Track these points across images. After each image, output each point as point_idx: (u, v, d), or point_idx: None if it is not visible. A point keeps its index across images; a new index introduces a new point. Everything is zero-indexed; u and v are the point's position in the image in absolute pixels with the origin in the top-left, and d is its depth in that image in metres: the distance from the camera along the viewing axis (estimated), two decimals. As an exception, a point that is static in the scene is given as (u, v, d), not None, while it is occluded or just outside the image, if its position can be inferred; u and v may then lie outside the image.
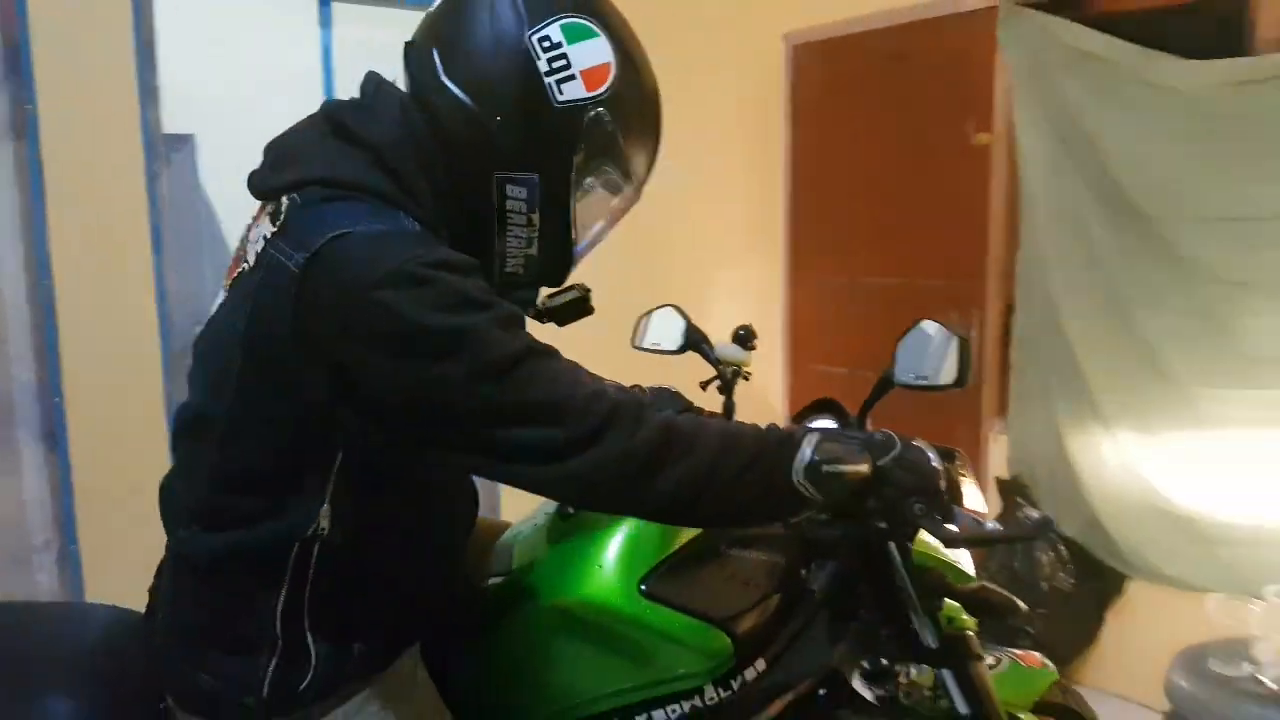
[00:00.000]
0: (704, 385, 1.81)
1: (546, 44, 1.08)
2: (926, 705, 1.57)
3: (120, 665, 1.23)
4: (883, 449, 1.16)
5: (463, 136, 1.09)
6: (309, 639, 1.11)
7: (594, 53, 1.10)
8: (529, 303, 1.26)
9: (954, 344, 1.47)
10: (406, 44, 1.16)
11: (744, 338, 1.79)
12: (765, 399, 3.95)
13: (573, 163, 1.12)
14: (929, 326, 1.50)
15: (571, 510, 1.44)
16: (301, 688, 1.11)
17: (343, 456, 1.06)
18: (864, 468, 1.13)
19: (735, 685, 1.38)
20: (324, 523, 1.08)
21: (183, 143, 3.91)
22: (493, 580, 1.44)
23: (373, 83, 1.14)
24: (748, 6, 3.78)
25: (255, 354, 1.04)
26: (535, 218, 1.13)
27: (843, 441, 1.14)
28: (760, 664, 1.40)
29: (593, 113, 1.10)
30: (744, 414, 1.75)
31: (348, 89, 1.19)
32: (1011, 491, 3.15)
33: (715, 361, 1.79)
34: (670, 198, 3.54)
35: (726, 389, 1.77)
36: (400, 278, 0.97)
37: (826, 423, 1.57)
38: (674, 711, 1.36)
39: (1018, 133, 3.04)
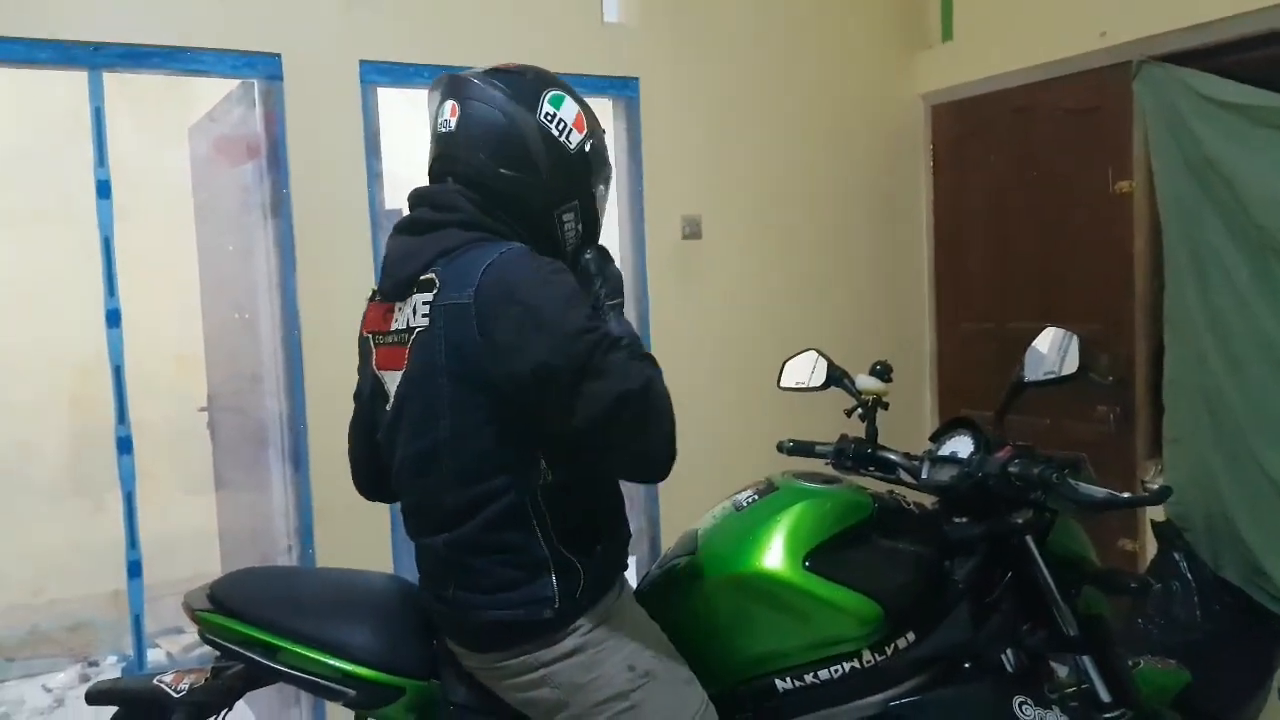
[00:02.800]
0: (849, 413, 1.97)
1: (548, 116, 1.51)
2: (1068, 701, 1.68)
3: (404, 610, 1.59)
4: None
5: (522, 197, 1.51)
6: (569, 555, 1.45)
7: (570, 108, 1.54)
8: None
9: (1073, 340, 1.68)
10: (439, 158, 1.54)
11: (881, 371, 1.93)
12: (918, 437, 4.03)
13: (590, 182, 1.58)
14: (1050, 331, 1.74)
15: (746, 505, 1.70)
16: (579, 593, 1.46)
17: (537, 420, 1.40)
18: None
19: (888, 651, 1.57)
20: (546, 472, 1.44)
21: (397, 216, 4.40)
22: (682, 557, 1.70)
23: (431, 192, 1.54)
24: (886, 69, 3.95)
25: (458, 373, 1.41)
26: (580, 227, 1.58)
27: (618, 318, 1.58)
28: (910, 635, 1.59)
29: (589, 145, 1.56)
30: (887, 442, 1.91)
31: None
32: (1167, 535, 3.10)
33: (856, 393, 1.94)
34: (820, 253, 3.78)
35: (868, 416, 1.92)
36: (539, 282, 1.39)
37: (964, 440, 1.76)
38: (836, 671, 1.56)
39: (1157, 179, 3.08)
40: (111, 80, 2.75)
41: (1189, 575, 3.04)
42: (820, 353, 2.03)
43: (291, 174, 2.89)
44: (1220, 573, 2.97)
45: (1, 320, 4.22)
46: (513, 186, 1.50)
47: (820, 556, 1.56)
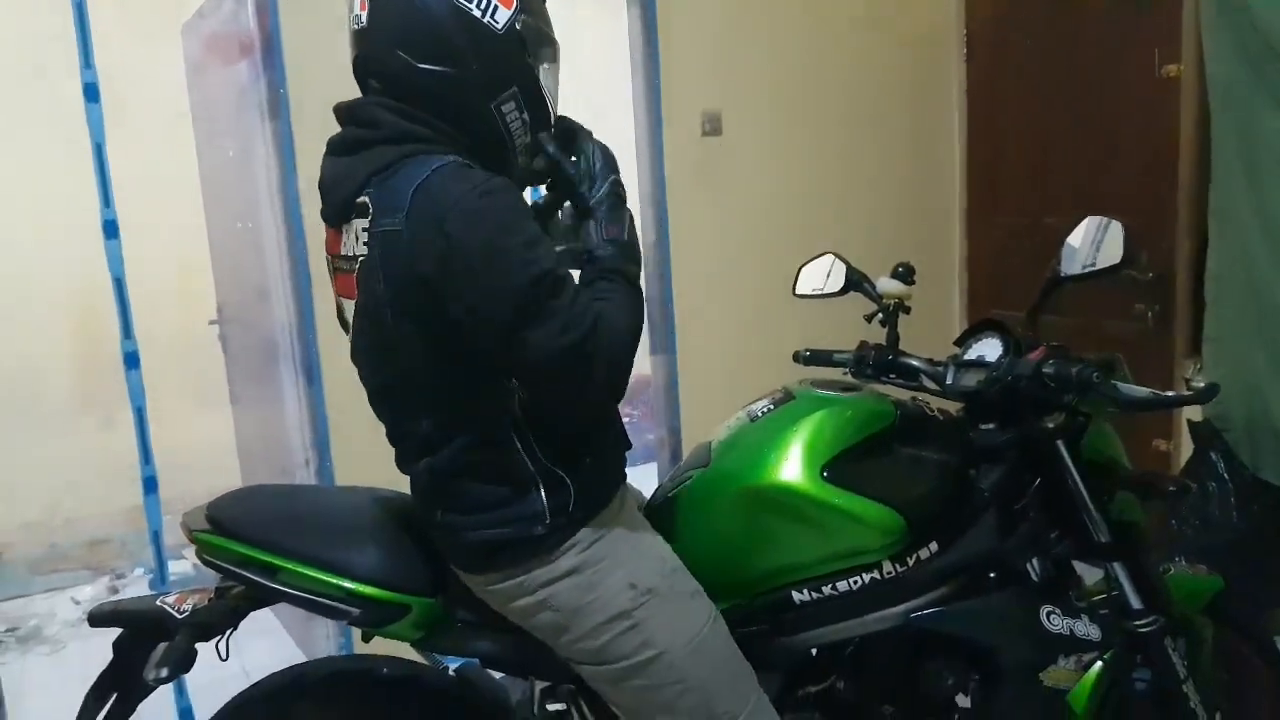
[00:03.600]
0: (869, 318, 1.89)
1: None
2: (1098, 609, 1.64)
3: (409, 528, 1.55)
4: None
5: (450, 94, 1.35)
6: (557, 470, 1.40)
7: None
8: (538, 183, 1.52)
9: (1115, 228, 1.58)
10: (357, 59, 1.43)
11: (903, 274, 1.84)
12: (945, 343, 3.97)
13: (528, 63, 1.39)
14: (1090, 221, 1.62)
15: (761, 415, 1.64)
16: (570, 508, 1.41)
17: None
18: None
19: (910, 562, 1.53)
20: (519, 390, 1.37)
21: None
22: (695, 470, 1.65)
23: (354, 106, 1.42)
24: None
25: (399, 307, 1.32)
26: (526, 116, 1.40)
27: (616, 221, 1.42)
28: (933, 545, 1.55)
29: (519, 21, 1.36)
30: (911, 346, 1.83)
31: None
32: (1204, 435, 3.06)
33: (877, 297, 1.86)
34: (847, 142, 3.64)
35: (890, 320, 1.85)
36: (463, 211, 1.26)
37: (993, 342, 1.67)
38: (855, 583, 1.53)
39: (1208, 63, 2.90)
40: (93, -25, 2.59)
41: (1226, 476, 2.98)
42: (838, 256, 1.93)
43: (289, 73, 2.74)
44: (1259, 474, 2.91)
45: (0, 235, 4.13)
46: (438, 83, 1.35)
47: (839, 466, 1.52)
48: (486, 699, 1.68)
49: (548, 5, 1.47)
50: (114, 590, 4.09)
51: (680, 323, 3.37)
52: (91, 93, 2.60)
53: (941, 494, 1.56)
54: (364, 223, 1.34)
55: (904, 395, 1.75)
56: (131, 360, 2.72)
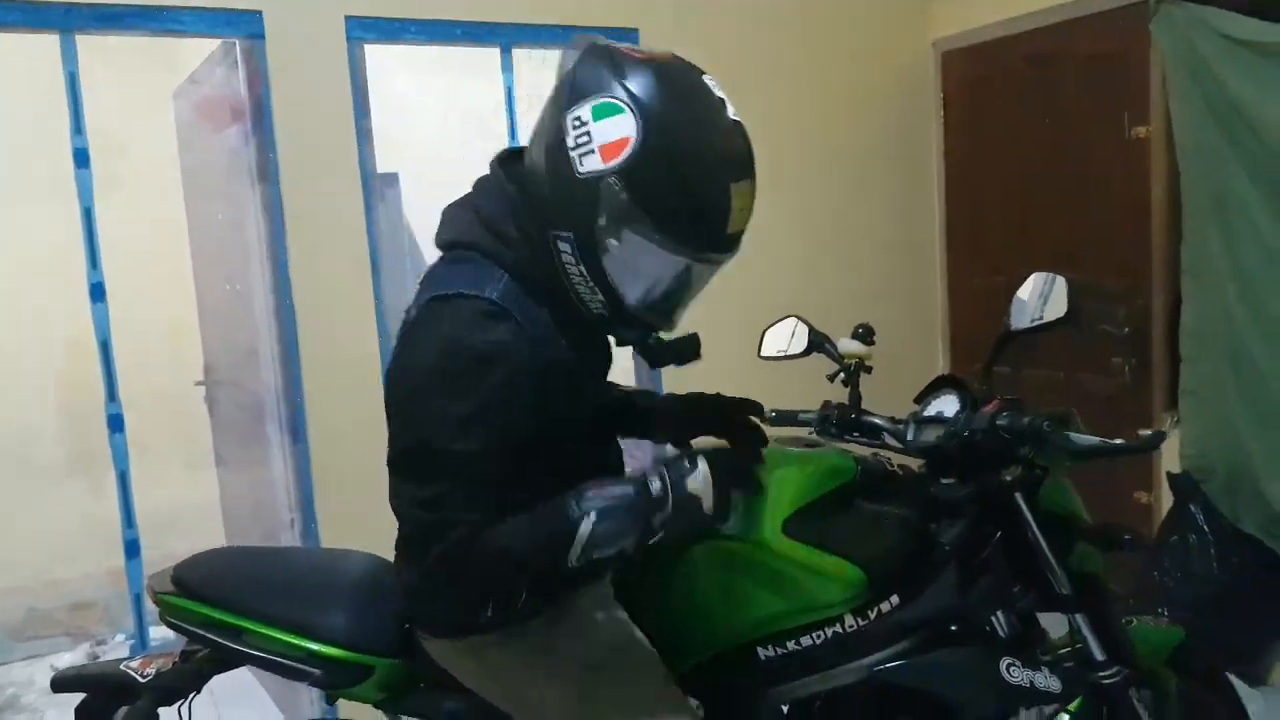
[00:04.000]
0: (831, 378, 1.89)
1: (577, 122, 1.25)
2: (1062, 662, 1.63)
3: (375, 588, 1.56)
4: (658, 505, 1.33)
5: (529, 200, 1.33)
6: None
7: (615, 128, 1.23)
8: (633, 342, 1.43)
9: (1060, 283, 1.63)
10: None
11: (863, 334, 1.86)
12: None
13: (594, 225, 1.26)
14: (1036, 276, 1.68)
15: None
16: (520, 605, 1.40)
17: None
18: (629, 542, 1.32)
19: (872, 615, 1.54)
20: None
21: (391, 180, 4.33)
22: None
23: (484, 177, 1.43)
24: (896, 16, 3.83)
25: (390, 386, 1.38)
26: (583, 270, 1.30)
27: (615, 518, 1.31)
28: (894, 599, 1.55)
29: (608, 182, 1.23)
30: (897, 408, 1.84)
31: (525, 127, 1.47)
32: (1184, 487, 3.08)
33: (838, 357, 1.86)
34: (827, 207, 3.70)
35: (851, 380, 1.84)
36: (439, 361, 1.28)
37: (949, 399, 1.69)
38: (819, 637, 1.53)
39: (1175, 125, 2.99)
40: (87, 44, 2.64)
41: (1205, 528, 3.01)
42: (800, 318, 1.96)
43: (278, 137, 2.80)
44: (1239, 525, 2.93)
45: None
46: (534, 183, 1.32)
47: (800, 521, 1.52)
48: None
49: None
50: (94, 657, 4.01)
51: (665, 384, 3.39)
52: (81, 158, 2.64)
53: (902, 548, 1.57)
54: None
55: (866, 452, 1.74)
56: (115, 423, 2.72)
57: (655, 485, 1.33)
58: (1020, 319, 1.68)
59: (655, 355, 1.44)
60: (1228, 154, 2.85)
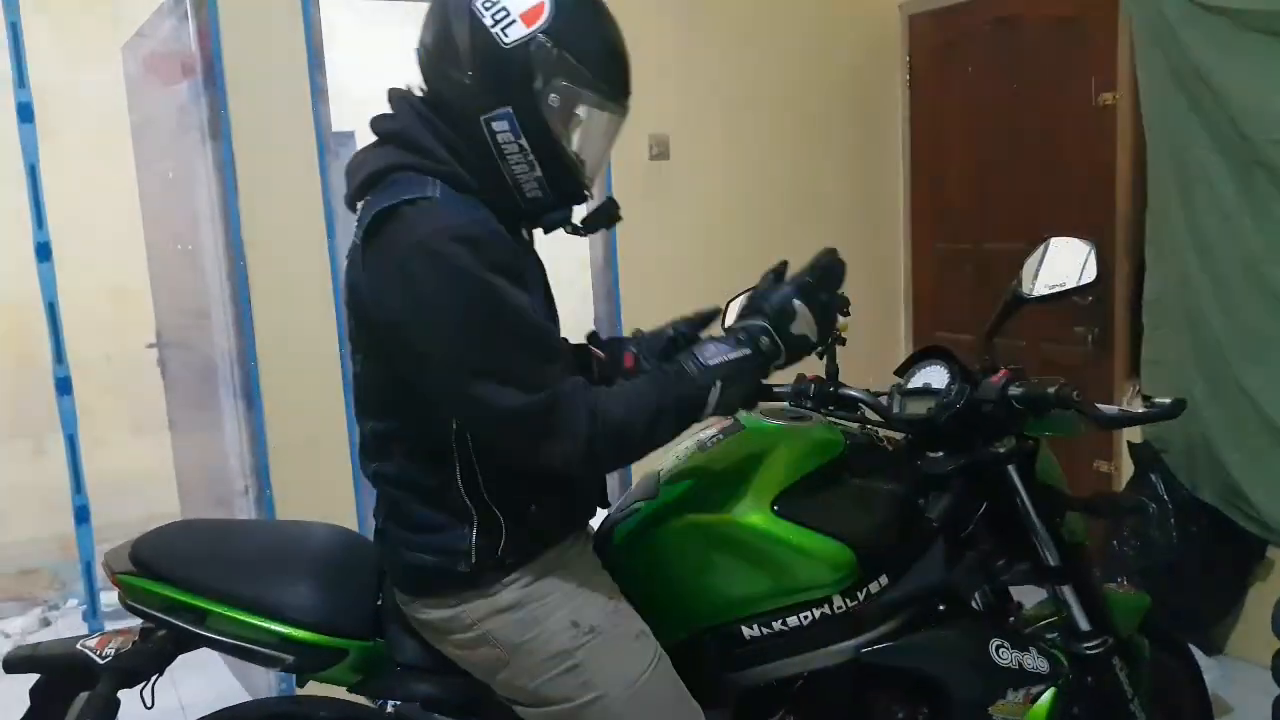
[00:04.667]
0: None
1: (488, 4, 1.29)
2: (1043, 635, 1.64)
3: (347, 566, 1.51)
4: (773, 357, 1.41)
5: (454, 100, 1.33)
6: (493, 507, 1.36)
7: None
8: (562, 223, 1.44)
9: (1087, 248, 1.59)
10: (416, 49, 1.39)
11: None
12: (888, 368, 4.00)
13: (534, 89, 1.30)
14: (1056, 240, 1.63)
15: (710, 444, 1.62)
16: (499, 553, 1.36)
17: None
18: (747, 396, 1.45)
19: (860, 596, 1.50)
20: (455, 422, 1.33)
21: (346, 139, 4.23)
22: (637, 504, 1.61)
23: (391, 94, 1.41)
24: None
25: (352, 312, 1.36)
26: (524, 143, 1.32)
27: (741, 380, 1.38)
28: (883, 579, 1.52)
29: (535, 43, 1.28)
30: (860, 376, 1.80)
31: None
32: (1145, 456, 3.10)
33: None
34: (790, 170, 3.67)
35: (828, 352, 1.78)
36: (425, 252, 1.24)
37: (938, 370, 1.65)
38: (806, 618, 1.49)
39: (1141, 91, 2.97)
40: (29, -6, 2.54)
41: (1165, 497, 3.03)
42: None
43: (230, 93, 2.72)
44: (1197, 494, 2.96)
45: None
46: (448, 88, 1.33)
47: (789, 500, 1.49)
48: None
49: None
50: (46, 622, 3.95)
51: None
52: (25, 113, 2.54)
53: (891, 525, 1.54)
54: (355, 224, 1.36)
55: (853, 425, 1.73)
56: (63, 386, 2.64)
57: (766, 342, 1.39)
58: (1037, 285, 1.63)
59: (588, 225, 1.47)
60: (1192, 121, 2.83)
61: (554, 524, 1.42)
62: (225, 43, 2.70)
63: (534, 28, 1.29)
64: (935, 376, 1.64)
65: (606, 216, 1.49)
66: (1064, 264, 1.60)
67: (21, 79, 2.54)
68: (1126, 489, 3.16)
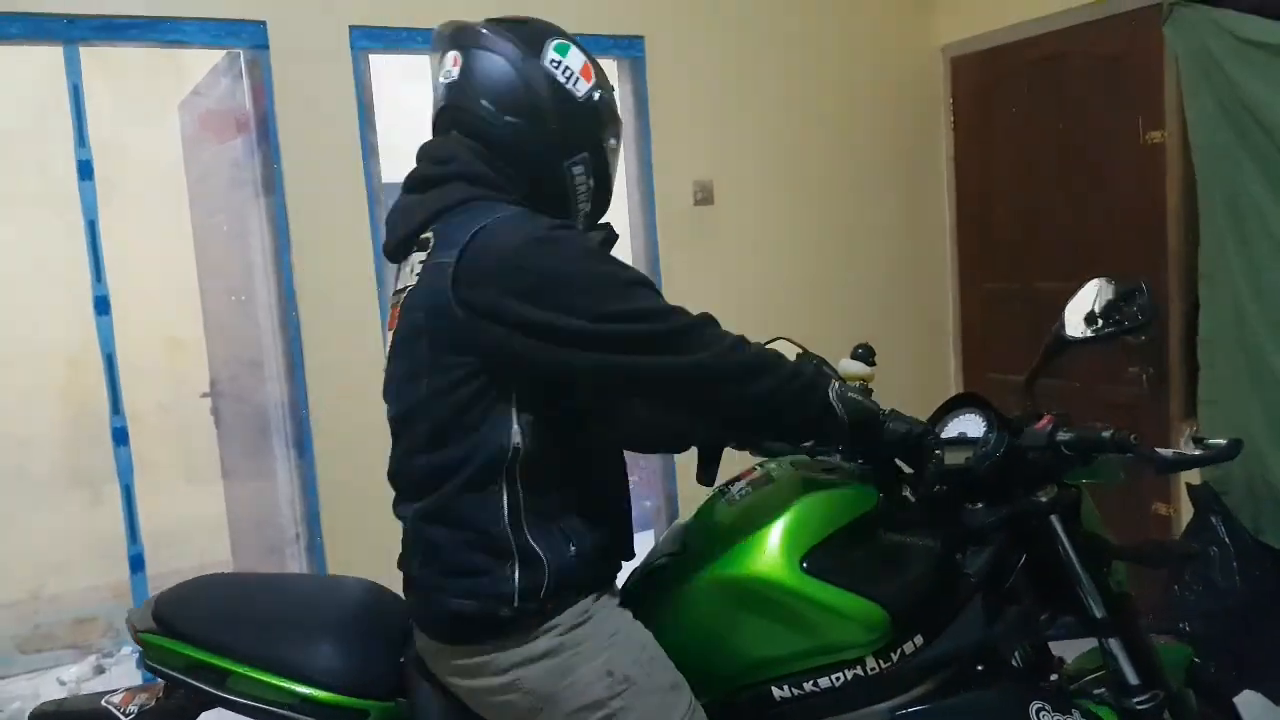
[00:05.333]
0: None
1: (554, 63, 1.45)
2: (1090, 690, 1.57)
3: (370, 622, 1.49)
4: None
5: (528, 146, 1.44)
6: (535, 546, 1.35)
7: (577, 56, 1.47)
8: None
9: (1138, 289, 1.52)
10: (443, 110, 1.48)
11: (864, 354, 1.78)
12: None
13: (601, 136, 1.50)
14: (1100, 281, 1.56)
15: (738, 497, 1.58)
16: (543, 593, 1.35)
17: (515, 384, 1.35)
18: (873, 408, 1.44)
19: (894, 657, 1.44)
20: (516, 438, 1.34)
21: (394, 190, 4.31)
22: (663, 559, 1.58)
23: (433, 145, 1.48)
24: (903, 23, 3.81)
25: (435, 335, 1.35)
26: (592, 183, 1.49)
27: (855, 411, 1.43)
28: (918, 639, 1.46)
29: (597, 95, 1.48)
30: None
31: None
32: (1205, 499, 3.02)
33: (839, 379, 1.79)
34: (836, 212, 3.67)
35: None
36: (534, 242, 1.31)
37: (973, 418, 1.57)
38: (838, 679, 1.44)
39: (1190, 128, 2.95)
40: (90, 55, 2.63)
41: (1227, 540, 2.96)
42: (791, 340, 1.83)
43: (283, 149, 2.78)
44: (1260, 537, 2.88)
45: (-7, 311, 4.13)
46: (518, 136, 1.43)
47: (819, 557, 1.44)
48: None
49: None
50: (100, 670, 3.99)
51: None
52: (85, 170, 2.62)
53: (926, 582, 1.47)
54: (421, 256, 1.38)
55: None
56: (120, 436, 2.70)
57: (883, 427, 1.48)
58: (1079, 329, 1.57)
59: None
60: (1242, 156, 2.81)
61: (591, 569, 1.41)
62: (278, 100, 2.77)
63: (591, 85, 1.47)
64: (971, 425, 1.56)
65: (608, 239, 1.58)
66: (1110, 304, 1.55)
67: (82, 138, 2.62)
68: (1185, 533, 3.09)
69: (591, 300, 1.30)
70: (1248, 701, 2.68)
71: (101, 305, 2.66)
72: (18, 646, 4.11)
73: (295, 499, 2.83)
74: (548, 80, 1.43)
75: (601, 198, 1.53)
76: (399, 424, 1.44)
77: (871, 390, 1.73)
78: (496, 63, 1.42)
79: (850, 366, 1.76)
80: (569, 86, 1.44)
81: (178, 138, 3.65)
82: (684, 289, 3.39)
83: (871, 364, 1.77)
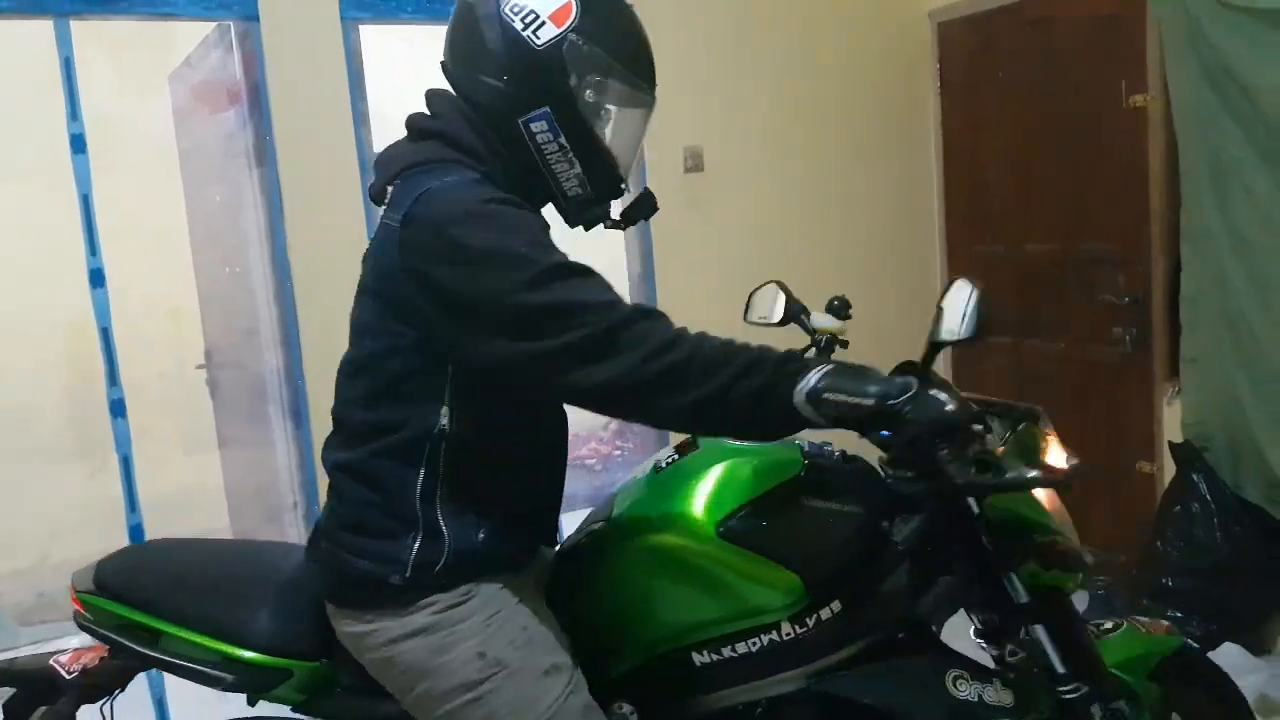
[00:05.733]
0: (802, 352, 1.74)
1: (515, 8, 1.35)
2: (1028, 666, 1.56)
3: (295, 589, 1.50)
4: (900, 390, 1.23)
5: (493, 106, 1.37)
6: (442, 523, 1.35)
7: (554, 0, 1.35)
8: (603, 218, 1.48)
9: (972, 295, 1.44)
10: (442, 62, 1.44)
11: (838, 308, 1.79)
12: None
13: (569, 87, 1.35)
14: (960, 282, 1.50)
15: (665, 465, 1.58)
16: (437, 568, 1.35)
17: (452, 367, 1.33)
18: (868, 401, 1.21)
19: (810, 623, 1.45)
20: (444, 420, 1.33)
21: (387, 161, 4.32)
22: (594, 526, 1.58)
23: (432, 94, 1.44)
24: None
25: (380, 297, 1.35)
26: (563, 141, 1.37)
27: (855, 377, 1.24)
28: (835, 605, 1.46)
29: (567, 42, 1.34)
30: None
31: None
32: (1185, 456, 3.06)
33: (811, 330, 1.81)
34: (825, 176, 3.70)
35: (824, 355, 1.76)
36: (468, 215, 1.26)
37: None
38: (754, 644, 1.45)
39: (1172, 91, 2.97)
40: (82, 28, 2.63)
41: (1208, 496, 3.01)
42: (781, 285, 1.87)
43: (274, 119, 2.80)
44: (1240, 493, 2.94)
45: (-6, 281, 4.16)
46: (487, 95, 1.36)
47: (736, 522, 1.45)
48: None
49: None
50: (104, 639, 4.05)
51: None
52: (78, 144, 2.63)
53: (848, 549, 1.47)
54: (382, 210, 1.37)
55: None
56: (117, 408, 2.73)
57: (900, 379, 1.28)
58: (943, 332, 1.48)
59: (626, 218, 1.51)
60: (1223, 118, 2.83)
61: (495, 554, 1.40)
62: (269, 71, 2.78)
63: (564, 27, 1.34)
64: None
65: (645, 208, 1.52)
66: (958, 309, 1.46)
67: (74, 112, 2.63)
68: (1168, 490, 3.14)
69: (511, 283, 1.23)
70: (1227, 653, 2.75)
71: (96, 278, 2.68)
72: (21, 618, 4.15)
73: (292, 467, 2.87)
74: (502, 29, 1.34)
75: (592, 158, 1.40)
76: (346, 370, 1.44)
77: (845, 343, 1.77)
78: (460, 16, 1.40)
79: (822, 320, 1.79)
80: (525, 34, 1.34)
81: (169, 110, 3.65)
82: (675, 256, 3.42)
83: (844, 317, 1.79)
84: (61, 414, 4.34)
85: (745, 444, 1.54)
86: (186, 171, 3.64)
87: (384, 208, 1.37)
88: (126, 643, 1.45)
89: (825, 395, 1.22)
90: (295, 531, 2.91)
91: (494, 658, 1.35)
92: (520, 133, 1.37)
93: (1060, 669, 1.50)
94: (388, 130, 3.16)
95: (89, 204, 2.66)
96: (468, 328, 1.28)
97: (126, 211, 3.52)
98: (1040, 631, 1.51)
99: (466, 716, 1.36)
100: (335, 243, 2.85)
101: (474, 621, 1.36)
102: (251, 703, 1.53)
